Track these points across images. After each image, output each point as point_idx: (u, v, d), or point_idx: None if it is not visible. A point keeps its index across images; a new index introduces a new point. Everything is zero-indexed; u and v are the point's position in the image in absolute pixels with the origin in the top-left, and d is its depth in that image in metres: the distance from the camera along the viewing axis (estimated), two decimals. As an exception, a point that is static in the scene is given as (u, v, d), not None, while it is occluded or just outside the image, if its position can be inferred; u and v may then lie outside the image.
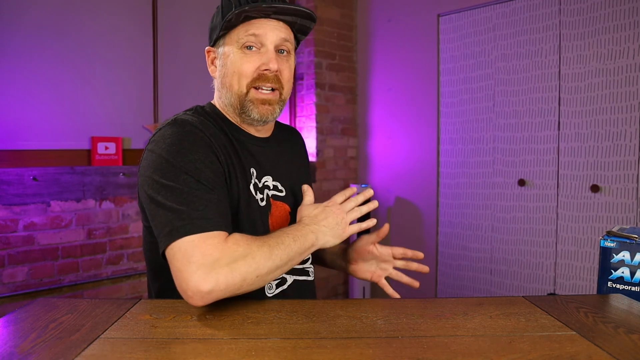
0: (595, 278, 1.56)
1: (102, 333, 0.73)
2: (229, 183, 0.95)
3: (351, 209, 0.99)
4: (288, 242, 0.88)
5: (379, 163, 3.52)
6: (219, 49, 1.03)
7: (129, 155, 2.66)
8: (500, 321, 0.78)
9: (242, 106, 1.00)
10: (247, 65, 0.98)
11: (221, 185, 0.91)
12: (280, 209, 1.06)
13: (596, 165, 2.50)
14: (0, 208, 2.11)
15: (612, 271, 0.97)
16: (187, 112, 1.01)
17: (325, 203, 0.99)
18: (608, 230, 1.00)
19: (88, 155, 2.53)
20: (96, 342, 0.69)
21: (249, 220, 0.98)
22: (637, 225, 2.38)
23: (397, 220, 3.40)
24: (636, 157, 2.37)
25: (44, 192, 2.22)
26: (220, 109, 1.06)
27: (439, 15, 3.13)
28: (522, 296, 0.93)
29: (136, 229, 2.55)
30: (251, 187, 1.00)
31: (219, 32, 1.00)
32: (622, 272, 0.96)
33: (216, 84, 1.07)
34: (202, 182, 0.86)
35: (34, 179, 2.18)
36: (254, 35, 0.97)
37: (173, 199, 0.84)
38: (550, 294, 2.67)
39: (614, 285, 0.97)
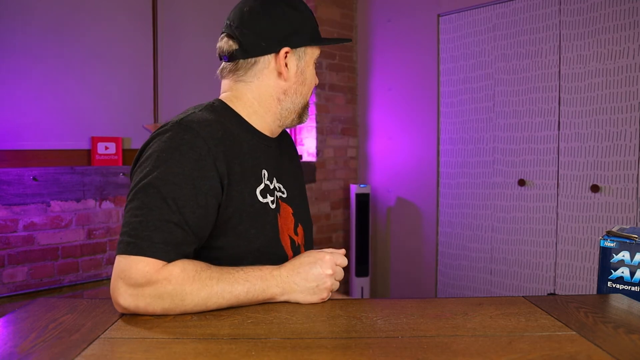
0: (595, 278, 1.56)
1: (102, 333, 0.73)
2: (226, 192, 0.91)
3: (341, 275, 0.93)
4: (238, 292, 0.84)
5: (379, 163, 3.52)
6: (301, 60, 1.05)
7: (129, 156, 2.65)
8: (500, 321, 0.78)
9: (302, 111, 1.10)
10: (315, 80, 1.11)
11: (195, 204, 0.87)
12: (286, 210, 1.05)
13: (596, 165, 2.50)
14: (0, 208, 2.11)
15: (612, 271, 0.97)
16: (200, 111, 0.97)
17: (326, 253, 0.92)
18: (608, 230, 1.00)
19: (88, 155, 2.53)
20: (96, 342, 0.69)
21: (254, 226, 0.95)
22: (637, 225, 2.38)
23: (397, 220, 3.40)
24: (636, 157, 2.37)
25: (44, 192, 2.22)
26: (240, 107, 1.03)
27: (439, 15, 3.12)
28: (522, 296, 0.93)
29: (136, 229, 2.54)
30: (258, 190, 0.97)
31: (308, 42, 1.05)
32: (622, 272, 0.96)
33: (272, 85, 1.03)
34: (167, 201, 0.84)
35: (34, 179, 2.18)
36: (318, 55, 1.11)
37: (135, 210, 0.84)
38: (550, 294, 2.67)
39: (613, 285, 0.97)
